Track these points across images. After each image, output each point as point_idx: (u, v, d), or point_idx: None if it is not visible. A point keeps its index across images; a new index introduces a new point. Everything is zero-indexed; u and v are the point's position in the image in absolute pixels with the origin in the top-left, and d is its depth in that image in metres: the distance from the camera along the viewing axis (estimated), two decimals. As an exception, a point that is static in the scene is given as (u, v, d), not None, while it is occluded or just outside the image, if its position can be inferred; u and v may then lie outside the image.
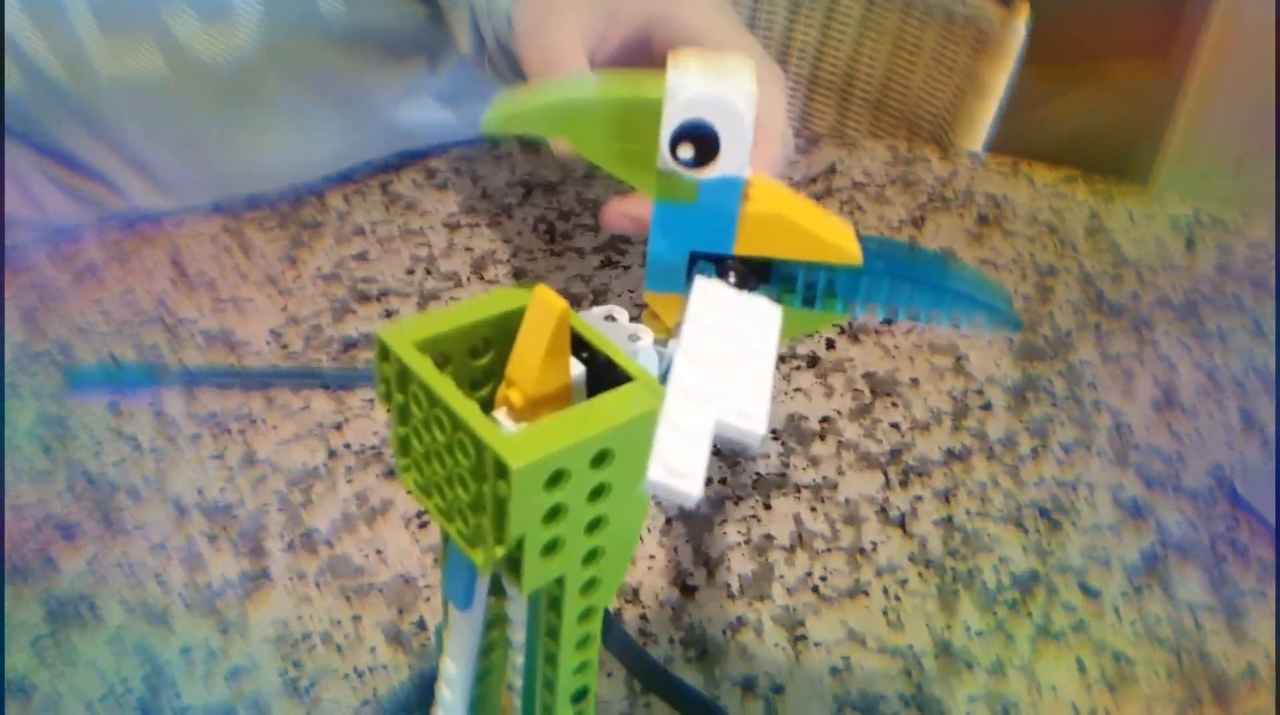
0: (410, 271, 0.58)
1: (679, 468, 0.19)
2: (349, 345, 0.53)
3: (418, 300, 0.56)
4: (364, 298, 0.56)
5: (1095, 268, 0.62)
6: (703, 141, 0.22)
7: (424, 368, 0.22)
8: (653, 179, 0.24)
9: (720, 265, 0.25)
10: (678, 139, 0.22)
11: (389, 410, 0.23)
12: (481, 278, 0.58)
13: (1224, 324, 0.57)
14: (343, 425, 0.48)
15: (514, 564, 0.22)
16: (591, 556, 0.23)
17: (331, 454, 0.47)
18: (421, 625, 0.40)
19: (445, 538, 0.25)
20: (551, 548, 0.22)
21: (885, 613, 0.41)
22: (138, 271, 0.58)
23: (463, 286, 0.57)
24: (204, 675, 0.38)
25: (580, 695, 0.26)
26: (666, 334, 0.26)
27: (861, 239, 0.26)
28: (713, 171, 0.23)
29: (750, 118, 0.22)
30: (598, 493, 0.22)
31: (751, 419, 0.20)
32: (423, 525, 0.44)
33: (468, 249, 0.61)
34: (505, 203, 0.65)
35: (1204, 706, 0.38)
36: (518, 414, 0.22)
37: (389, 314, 0.55)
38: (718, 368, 0.21)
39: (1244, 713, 0.38)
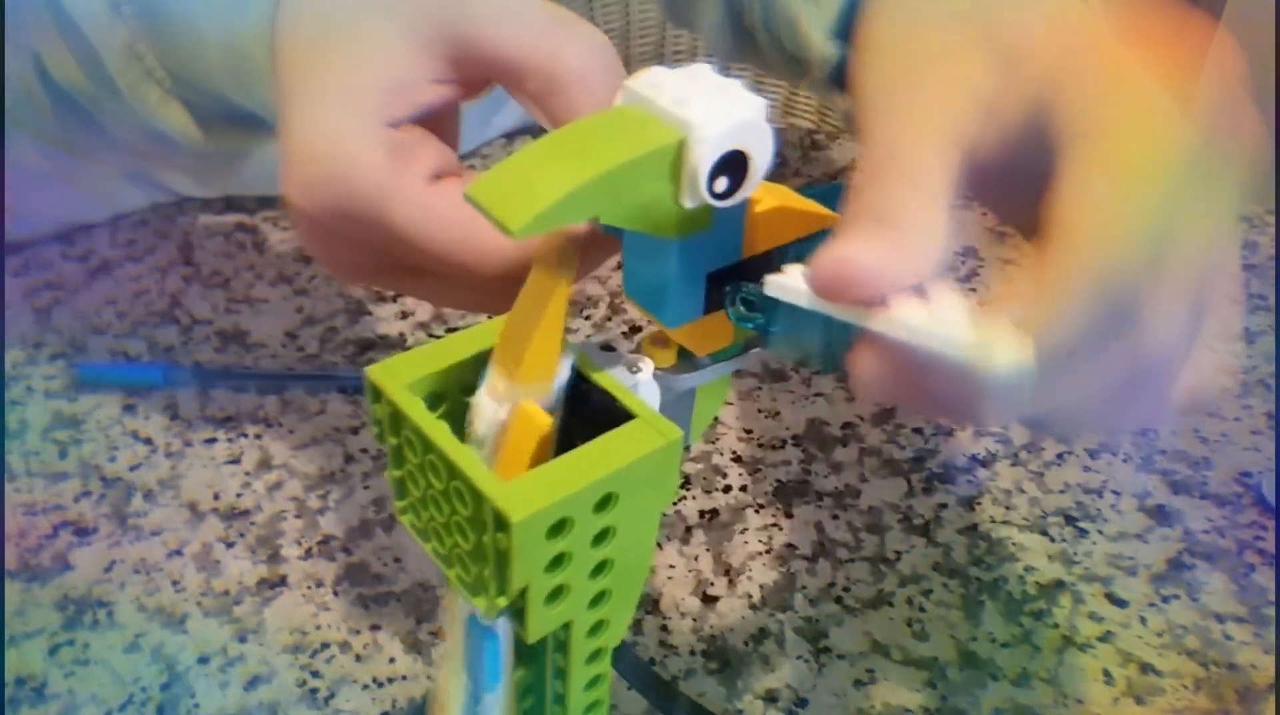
0: (426, 271, 0.58)
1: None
2: (366, 347, 0.53)
3: (433, 300, 0.56)
4: (380, 298, 0.56)
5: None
6: (737, 168, 0.22)
7: (417, 411, 0.21)
8: (673, 221, 0.23)
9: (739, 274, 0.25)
10: (716, 173, 0.22)
11: (384, 449, 0.23)
12: (497, 277, 0.58)
13: (1249, 324, 0.56)
14: (359, 429, 0.48)
15: (518, 611, 0.21)
16: (598, 600, 0.22)
17: (349, 458, 0.47)
18: (438, 636, 0.39)
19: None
20: (556, 595, 0.21)
21: (910, 623, 0.40)
22: (151, 269, 0.57)
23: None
24: (221, 683, 0.38)
25: None
26: (671, 363, 0.26)
27: (811, 196, 0.26)
28: (742, 194, 0.22)
29: (769, 129, 0.22)
30: (602, 537, 0.21)
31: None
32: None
33: (483, 248, 0.60)
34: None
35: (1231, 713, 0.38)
36: (507, 385, 0.22)
37: (405, 316, 0.55)
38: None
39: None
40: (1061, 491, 0.46)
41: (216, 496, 0.45)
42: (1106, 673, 0.39)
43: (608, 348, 0.24)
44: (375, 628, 0.39)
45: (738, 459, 0.47)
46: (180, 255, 0.59)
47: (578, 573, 0.21)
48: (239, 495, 0.45)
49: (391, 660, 0.38)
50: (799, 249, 0.25)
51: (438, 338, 0.49)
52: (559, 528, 0.19)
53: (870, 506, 0.45)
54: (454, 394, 0.23)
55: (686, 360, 0.26)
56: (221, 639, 0.39)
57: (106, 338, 0.53)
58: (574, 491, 0.19)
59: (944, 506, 0.45)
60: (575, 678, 0.23)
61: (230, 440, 0.47)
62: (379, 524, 0.44)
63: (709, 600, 0.41)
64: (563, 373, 0.22)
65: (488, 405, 0.22)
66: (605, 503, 0.20)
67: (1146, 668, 0.39)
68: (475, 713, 0.24)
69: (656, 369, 0.24)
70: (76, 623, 0.40)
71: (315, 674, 0.38)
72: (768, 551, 0.43)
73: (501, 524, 0.19)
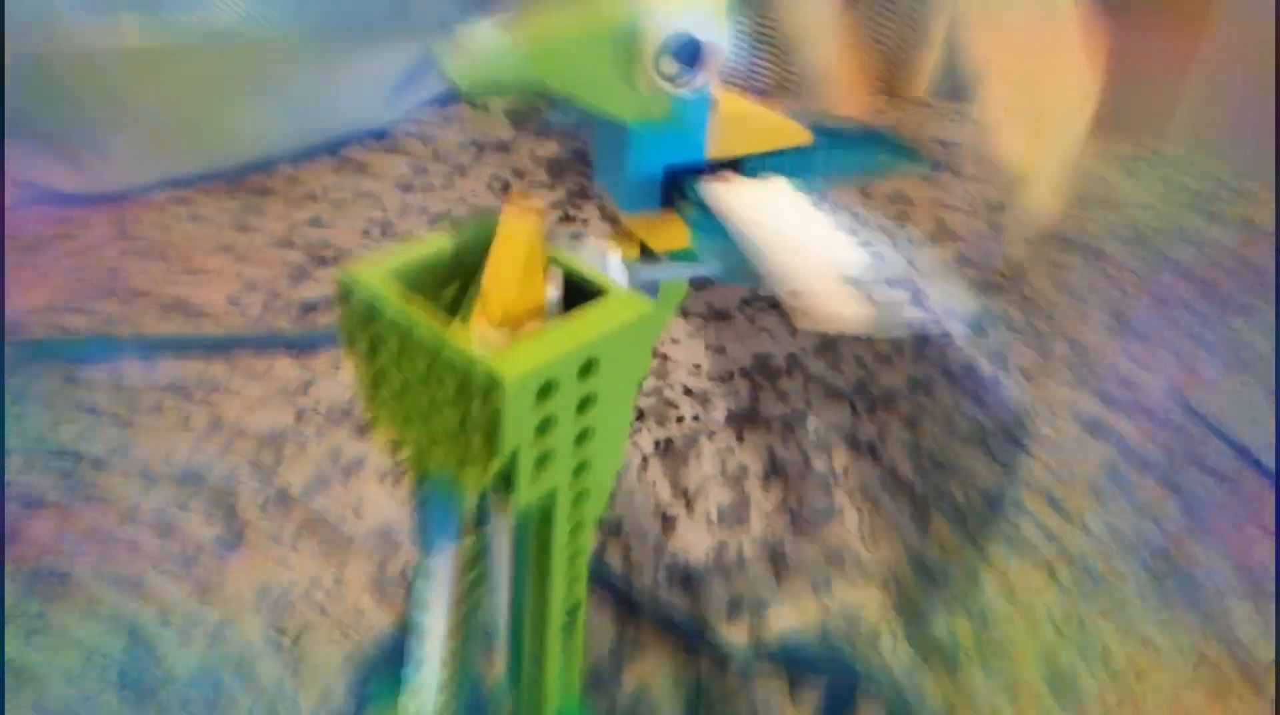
0: (366, 233, 0.58)
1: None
2: (309, 308, 0.52)
3: (376, 261, 0.56)
4: (320, 261, 0.56)
5: (1043, 200, 0.63)
6: (686, 55, 0.23)
7: (394, 297, 0.21)
8: (629, 104, 0.24)
9: (699, 173, 0.25)
10: (663, 55, 0.22)
11: (353, 355, 0.23)
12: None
13: (1171, 251, 0.59)
14: (309, 386, 0.48)
15: (504, 485, 0.22)
16: (580, 470, 0.23)
17: (300, 415, 0.47)
18: (405, 576, 0.40)
19: (418, 481, 0.24)
20: (543, 462, 0.22)
21: (861, 533, 0.42)
22: (86, 246, 0.56)
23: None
24: (184, 640, 0.38)
25: (573, 612, 0.26)
26: (636, 254, 0.27)
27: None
28: (695, 83, 0.23)
29: (726, 23, 0.23)
30: (585, 404, 0.22)
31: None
32: (399, 479, 0.44)
33: (422, 210, 0.60)
34: (458, 163, 0.64)
35: (1172, 601, 0.40)
36: (495, 332, 0.22)
37: (348, 276, 0.55)
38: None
39: (1208, 604, 0.40)
40: (999, 408, 0.48)
41: (168, 460, 0.44)
42: (1050, 569, 0.41)
43: (576, 236, 0.25)
44: (338, 572, 0.40)
45: (689, 392, 0.48)
46: (115, 231, 0.58)
47: (562, 440, 0.21)
48: (191, 456, 0.44)
49: (356, 606, 0.39)
50: (769, 163, 0.26)
51: None
52: (546, 390, 0.20)
53: (817, 429, 0.46)
54: (427, 290, 0.23)
55: (648, 257, 0.27)
56: (182, 598, 0.39)
57: (43, 314, 0.52)
58: (560, 355, 0.20)
59: (886, 427, 0.47)
60: (559, 551, 0.24)
61: (179, 404, 0.47)
62: (335, 476, 0.44)
63: (668, 522, 0.42)
64: (552, 299, 0.23)
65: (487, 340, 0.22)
66: (587, 369, 0.21)
67: (1087, 566, 0.41)
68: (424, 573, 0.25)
69: (623, 259, 0.25)
70: (34, 593, 0.39)
71: (280, 627, 0.38)
72: (723, 474, 0.44)
73: (494, 384, 0.19)
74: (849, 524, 0.42)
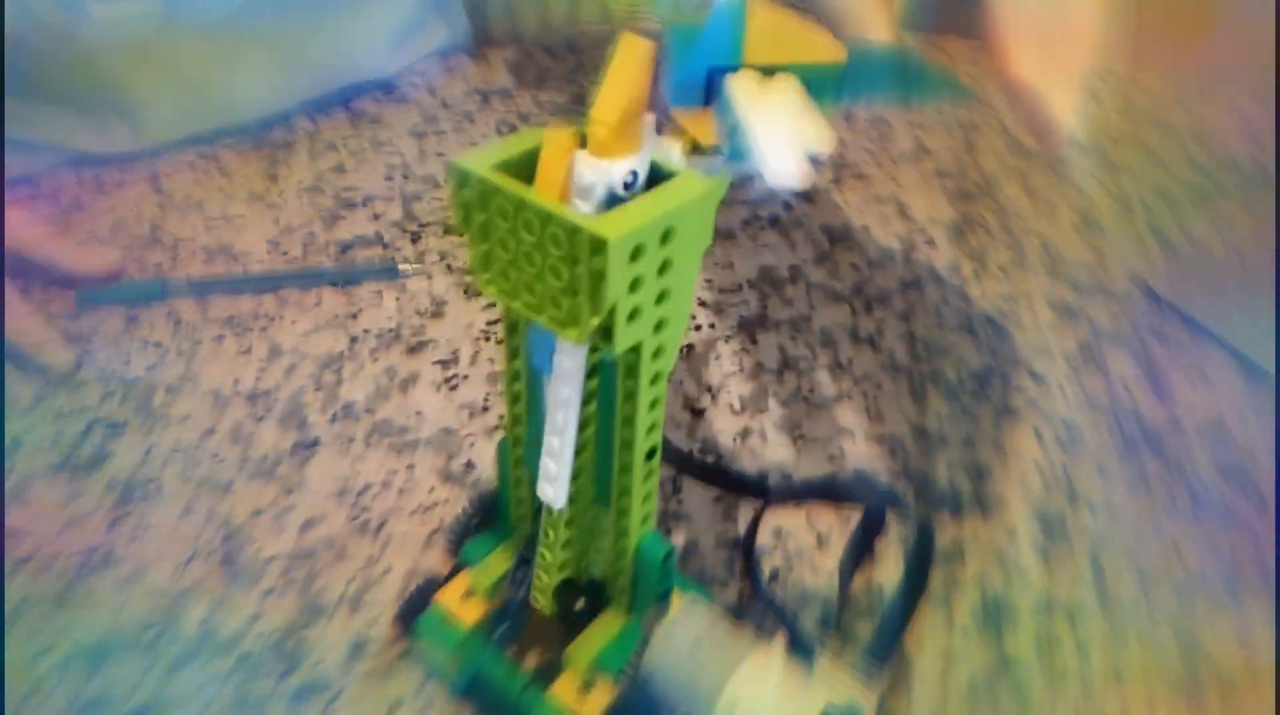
0: (389, 178, 0.62)
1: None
2: (346, 247, 0.57)
3: (401, 203, 0.60)
4: (349, 204, 0.60)
5: (1011, 121, 0.68)
6: None
7: (506, 182, 0.26)
8: (663, 5, 0.28)
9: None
10: None
11: (467, 233, 0.27)
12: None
13: (1126, 158, 0.64)
14: (358, 315, 0.52)
15: (605, 334, 0.26)
16: (660, 327, 0.28)
17: (353, 340, 0.51)
18: (470, 466, 0.44)
19: (520, 331, 0.29)
20: (633, 316, 0.26)
21: (867, 411, 0.47)
22: (124, 202, 0.60)
23: (441, 187, 0.61)
24: (277, 529, 0.42)
25: (651, 454, 0.31)
26: (690, 147, 0.31)
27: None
28: None
29: None
30: (664, 268, 0.26)
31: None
32: (453, 387, 0.48)
33: (439, 154, 0.64)
34: (465, 110, 0.68)
35: (1140, 450, 0.46)
36: (601, 150, 0.26)
37: (377, 217, 0.59)
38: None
39: (1171, 451, 0.46)
40: (981, 299, 0.54)
41: (236, 383, 0.49)
42: (1036, 431, 0.46)
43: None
44: (410, 467, 0.44)
45: (703, 304, 0.53)
46: (149, 189, 0.61)
47: (647, 297, 0.26)
48: (257, 379, 0.49)
49: (430, 490, 0.43)
50: (807, 77, 0.30)
51: (412, 232, 0.53)
52: (636, 254, 0.25)
53: (821, 328, 0.52)
54: (520, 180, 0.27)
55: (699, 152, 0.31)
56: (269, 495, 0.44)
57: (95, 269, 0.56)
58: (647, 222, 0.25)
59: (883, 322, 0.52)
60: (643, 397, 0.29)
61: (238, 336, 0.51)
62: (393, 390, 0.48)
63: (697, 413, 0.47)
64: (648, 139, 0.27)
65: (585, 167, 0.26)
66: (666, 236, 0.25)
67: (1069, 424, 0.47)
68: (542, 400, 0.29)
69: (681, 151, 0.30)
70: (128, 499, 0.44)
71: (364, 510, 0.43)
72: (741, 371, 0.49)
73: (599, 246, 0.24)
74: (856, 404, 0.47)
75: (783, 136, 0.27)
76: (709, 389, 0.48)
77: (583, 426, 0.30)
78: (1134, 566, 0.41)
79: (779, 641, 0.29)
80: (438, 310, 0.53)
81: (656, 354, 0.29)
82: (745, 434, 0.46)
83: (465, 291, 0.54)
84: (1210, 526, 0.42)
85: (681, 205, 0.26)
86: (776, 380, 0.49)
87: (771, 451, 0.45)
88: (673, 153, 0.30)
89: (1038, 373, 0.49)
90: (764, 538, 0.41)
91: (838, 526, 0.41)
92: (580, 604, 0.34)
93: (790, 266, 0.56)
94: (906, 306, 0.53)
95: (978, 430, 0.46)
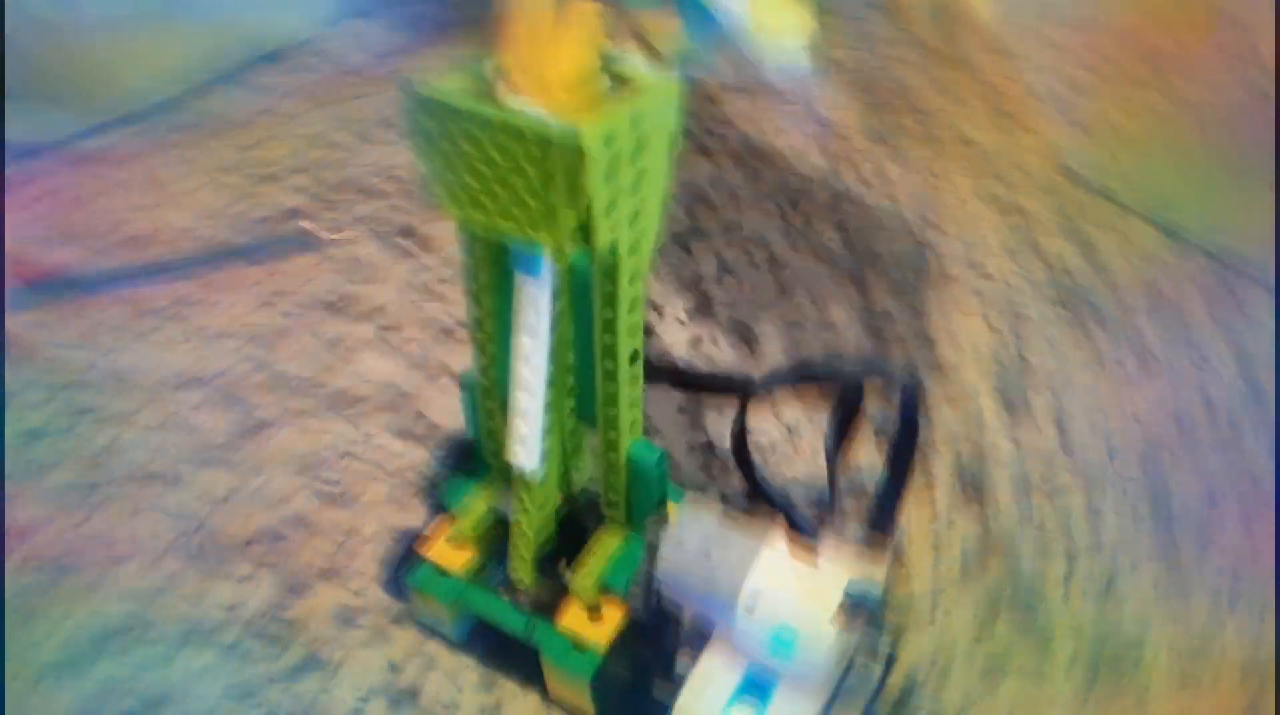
0: (300, 149, 0.60)
1: None
2: (265, 223, 0.55)
3: (315, 172, 0.58)
4: (264, 179, 0.58)
5: (920, 26, 0.69)
6: None
7: (465, 97, 0.25)
8: None
9: None
10: None
11: (427, 154, 0.26)
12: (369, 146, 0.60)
13: (1034, 57, 0.65)
14: (287, 290, 0.51)
15: (582, 237, 0.26)
16: (636, 217, 0.27)
17: (286, 315, 0.49)
18: (428, 422, 0.44)
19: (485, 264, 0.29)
20: (611, 208, 0.26)
21: (814, 301, 0.47)
22: (41, 194, 0.57)
23: (351, 151, 0.59)
24: (241, 516, 0.41)
25: (634, 358, 0.31)
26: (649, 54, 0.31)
27: None
28: None
29: None
30: (637, 151, 0.26)
31: None
32: (397, 348, 0.47)
33: (346, 119, 0.62)
34: (363, 72, 0.66)
35: (1085, 320, 0.47)
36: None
37: (294, 189, 0.57)
38: None
39: (1111, 318, 0.47)
40: (907, 195, 0.54)
41: (173, 373, 0.47)
42: (982, 313, 0.48)
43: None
44: (368, 435, 0.44)
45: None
46: (59, 180, 0.58)
47: (623, 186, 0.26)
48: (194, 366, 0.47)
49: (394, 453, 0.43)
50: None
51: (330, 199, 0.50)
52: (610, 140, 0.25)
53: (753, 232, 0.52)
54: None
55: (653, 55, 0.31)
56: (227, 482, 0.42)
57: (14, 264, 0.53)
58: (617, 111, 0.25)
59: (816, 226, 0.52)
60: (623, 297, 0.28)
61: (166, 325, 0.49)
62: (338, 358, 0.47)
63: (646, 331, 0.47)
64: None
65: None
66: (635, 124, 0.25)
67: (1011, 303, 0.48)
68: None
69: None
70: (80, 504, 0.42)
71: (328, 483, 0.42)
72: (681, 283, 0.49)
73: (574, 139, 0.24)
74: (801, 300, 0.48)
75: (773, 19, 0.27)
76: (654, 306, 0.48)
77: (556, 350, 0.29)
78: (1098, 430, 0.42)
79: (780, 529, 0.29)
80: (369, 274, 0.51)
81: (633, 250, 0.28)
82: (696, 343, 0.46)
83: (393, 249, 0.53)
84: (1161, 385, 0.44)
85: (649, 95, 0.26)
86: (717, 286, 0.49)
87: (723, 354, 0.45)
88: (634, 60, 0.29)
89: (977, 263, 0.50)
90: (725, 440, 0.41)
91: (803, 417, 0.42)
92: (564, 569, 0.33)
93: (711, 177, 0.55)
94: (836, 210, 0.53)
95: (924, 314, 0.47)
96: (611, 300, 0.28)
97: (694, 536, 0.29)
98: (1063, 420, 0.42)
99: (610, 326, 0.29)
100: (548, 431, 0.30)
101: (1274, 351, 0.40)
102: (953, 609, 0.36)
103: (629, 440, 0.31)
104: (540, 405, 0.29)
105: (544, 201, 0.25)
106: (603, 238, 0.26)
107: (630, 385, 0.30)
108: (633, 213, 0.27)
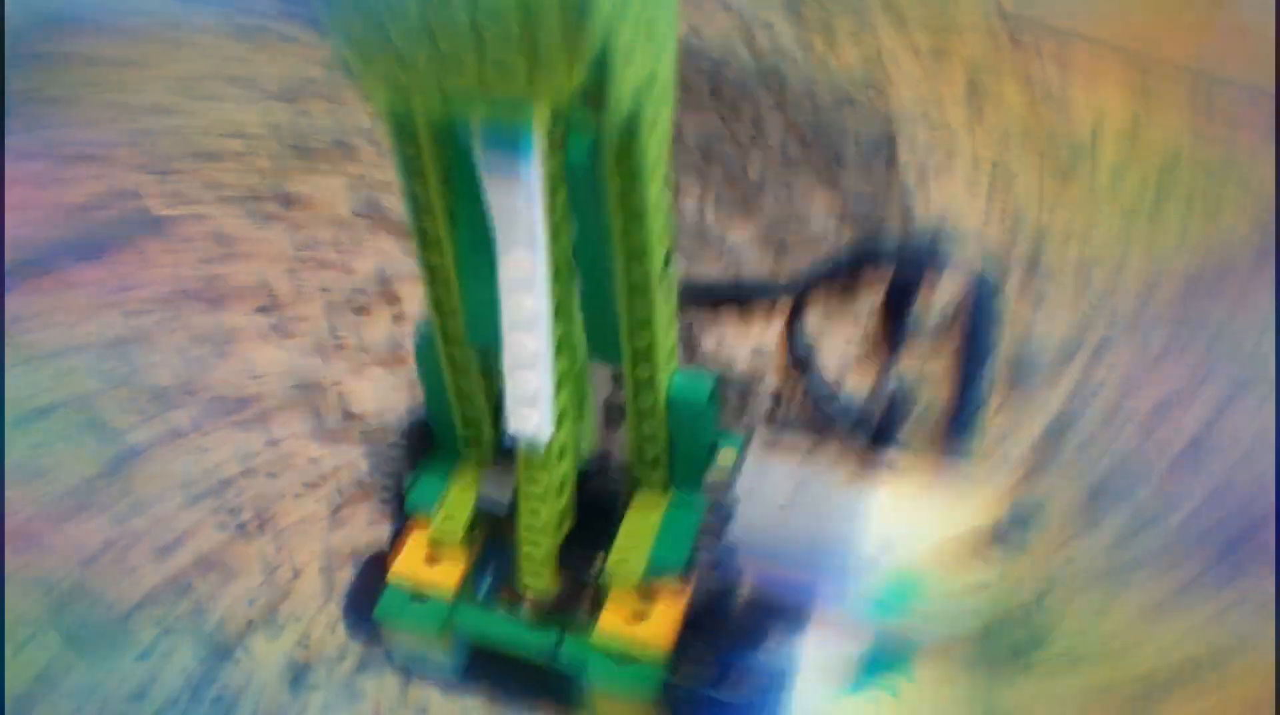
0: (117, 120, 0.49)
1: None
2: (88, 210, 0.44)
3: (140, 145, 0.47)
4: (80, 159, 0.47)
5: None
6: None
7: None
8: None
9: None
10: None
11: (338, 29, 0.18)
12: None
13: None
14: (130, 285, 0.41)
15: (583, 99, 0.18)
16: (651, 81, 0.20)
17: (133, 315, 0.39)
18: (349, 415, 0.35)
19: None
20: (630, 52, 0.18)
21: (789, 198, 0.41)
22: None
23: (178, 115, 0.49)
24: (128, 571, 0.32)
25: (668, 257, 0.23)
26: None
27: None
28: None
29: None
30: None
31: None
32: (284, 332, 0.38)
33: (169, 78, 0.52)
34: (183, 30, 0.55)
35: (1061, 161, 0.42)
36: None
37: (117, 165, 0.46)
38: None
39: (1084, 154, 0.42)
40: (846, 70, 0.48)
41: (10, 407, 0.36)
42: (961, 176, 0.42)
43: None
44: (272, 442, 0.34)
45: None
46: None
47: (638, 22, 0.18)
48: (32, 397, 0.37)
49: (311, 459, 0.34)
50: None
51: (162, 171, 0.39)
52: None
53: (697, 143, 0.44)
54: None
55: None
56: (99, 533, 0.33)
57: None
58: None
59: (759, 115, 0.46)
60: (651, 183, 0.21)
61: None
62: (211, 354, 0.37)
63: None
64: None
65: None
66: None
67: (990, 159, 0.42)
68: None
69: None
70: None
71: (232, 511, 0.33)
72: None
73: None
74: (766, 203, 0.41)
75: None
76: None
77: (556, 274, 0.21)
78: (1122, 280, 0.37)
79: (869, 457, 0.22)
80: (234, 248, 0.42)
81: (654, 118, 0.21)
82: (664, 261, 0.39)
83: (252, 219, 0.43)
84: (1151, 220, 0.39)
85: None
86: (673, 209, 0.41)
87: (705, 264, 0.38)
88: None
89: (932, 119, 0.45)
90: (751, 359, 0.34)
91: (823, 326, 0.35)
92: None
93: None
94: (775, 98, 0.47)
95: (907, 191, 0.41)
96: (635, 185, 0.21)
97: (775, 485, 0.21)
98: (1088, 276, 0.37)
99: (638, 220, 0.21)
100: (560, 384, 0.22)
101: (1274, 349, 0.36)
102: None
103: (665, 374, 0.23)
104: (548, 346, 0.21)
105: (531, 50, 0.17)
106: (624, 90, 0.18)
107: (666, 299, 0.23)
108: (651, 64, 0.19)
